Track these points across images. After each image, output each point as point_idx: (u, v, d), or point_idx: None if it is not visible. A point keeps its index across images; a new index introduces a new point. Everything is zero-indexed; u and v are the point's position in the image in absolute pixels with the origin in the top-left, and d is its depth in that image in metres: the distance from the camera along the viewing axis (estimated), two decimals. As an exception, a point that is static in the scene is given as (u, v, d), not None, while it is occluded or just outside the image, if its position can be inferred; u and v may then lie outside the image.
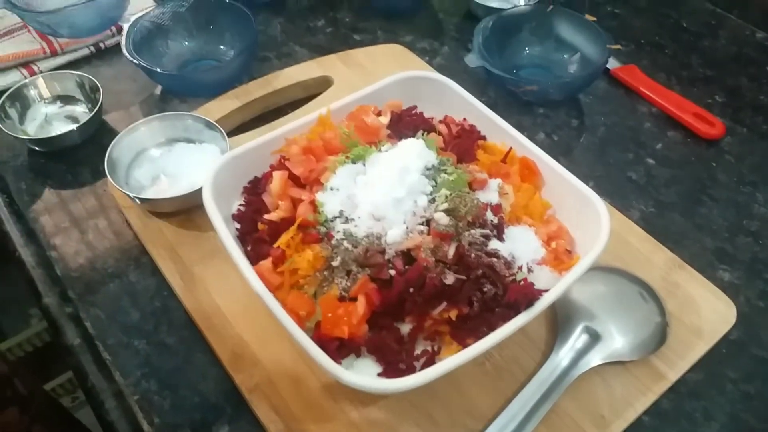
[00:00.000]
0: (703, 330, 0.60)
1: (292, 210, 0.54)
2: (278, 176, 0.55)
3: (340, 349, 0.48)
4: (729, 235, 0.69)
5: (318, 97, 0.79)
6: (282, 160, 0.57)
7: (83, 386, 0.58)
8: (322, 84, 0.81)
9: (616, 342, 0.57)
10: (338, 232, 0.52)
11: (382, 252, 0.50)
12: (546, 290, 0.49)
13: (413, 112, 0.63)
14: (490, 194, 0.55)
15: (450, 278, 0.49)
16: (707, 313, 0.61)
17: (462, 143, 0.60)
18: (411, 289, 0.48)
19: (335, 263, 0.50)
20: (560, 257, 0.54)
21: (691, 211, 0.72)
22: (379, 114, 0.62)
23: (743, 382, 0.58)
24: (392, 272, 0.49)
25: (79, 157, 0.75)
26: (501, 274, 0.49)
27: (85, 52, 0.86)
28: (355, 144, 0.57)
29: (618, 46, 0.89)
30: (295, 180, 0.56)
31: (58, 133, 0.72)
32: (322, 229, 0.52)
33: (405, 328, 0.50)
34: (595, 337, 0.57)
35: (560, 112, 0.82)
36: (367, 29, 0.93)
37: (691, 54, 0.91)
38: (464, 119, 0.64)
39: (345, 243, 0.51)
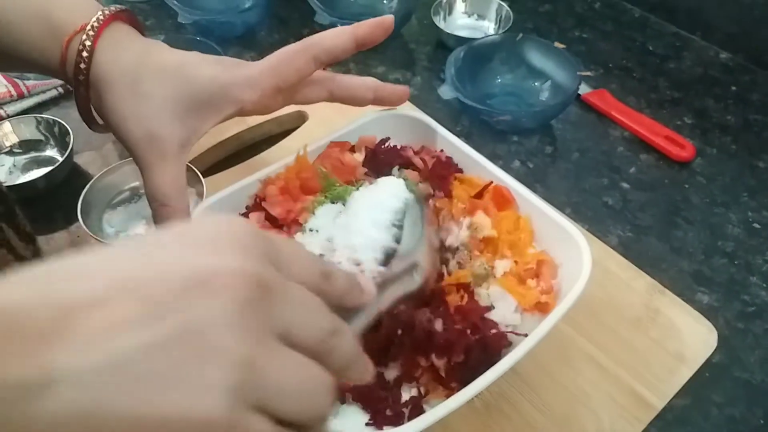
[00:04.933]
0: (686, 355, 0.60)
1: (271, 254, 0.53)
2: (255, 218, 0.54)
3: (325, 396, 0.47)
4: (705, 257, 0.70)
5: (293, 132, 0.78)
6: (258, 201, 0.57)
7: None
8: (297, 119, 0.81)
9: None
10: (319, 276, 0.51)
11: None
12: (526, 335, 0.49)
13: (386, 145, 0.62)
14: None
15: (438, 325, 0.48)
16: (689, 337, 0.61)
17: (437, 176, 0.59)
18: (399, 331, 0.48)
19: (317, 308, 0.50)
20: (541, 300, 0.53)
21: (667, 234, 0.73)
22: (352, 150, 0.61)
23: (728, 406, 0.58)
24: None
25: (51, 204, 0.73)
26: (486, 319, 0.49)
27: (54, 93, 0.84)
28: (333, 183, 0.56)
29: (588, 73, 0.90)
30: (272, 221, 0.56)
31: (28, 179, 0.71)
32: (303, 274, 0.52)
33: (390, 373, 0.49)
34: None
35: (534, 140, 0.83)
36: (339, 62, 0.93)
37: (659, 77, 0.93)
38: (441, 150, 0.64)
39: (326, 287, 0.50)
